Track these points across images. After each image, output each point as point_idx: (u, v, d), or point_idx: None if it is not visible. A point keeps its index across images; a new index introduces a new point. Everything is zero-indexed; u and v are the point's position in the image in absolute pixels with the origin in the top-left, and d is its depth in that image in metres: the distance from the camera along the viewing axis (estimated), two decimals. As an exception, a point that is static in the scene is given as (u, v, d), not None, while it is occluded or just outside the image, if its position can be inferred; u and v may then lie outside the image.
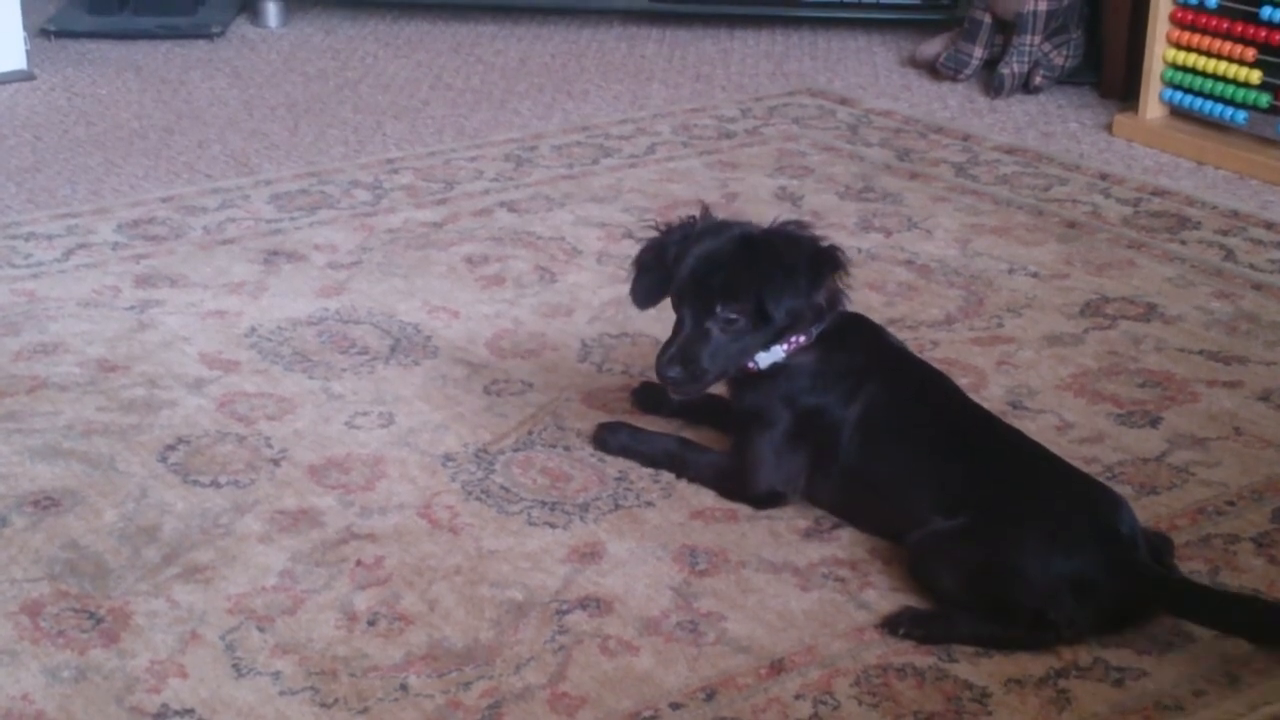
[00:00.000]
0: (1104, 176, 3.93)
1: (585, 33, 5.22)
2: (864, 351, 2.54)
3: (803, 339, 2.51)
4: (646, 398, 2.84)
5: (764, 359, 2.51)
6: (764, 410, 2.52)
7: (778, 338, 2.49)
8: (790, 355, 2.51)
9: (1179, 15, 4.17)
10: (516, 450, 2.70)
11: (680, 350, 2.45)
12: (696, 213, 2.59)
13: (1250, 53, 4.05)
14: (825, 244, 2.50)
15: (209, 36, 5.06)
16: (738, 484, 2.56)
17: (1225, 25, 4.08)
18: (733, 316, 2.44)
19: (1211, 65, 4.11)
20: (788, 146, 4.15)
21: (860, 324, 2.61)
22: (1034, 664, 2.20)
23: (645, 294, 2.58)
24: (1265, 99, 4.02)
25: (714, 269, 2.45)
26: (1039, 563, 2.23)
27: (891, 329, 3.13)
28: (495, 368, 2.99)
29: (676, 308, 2.51)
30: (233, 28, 5.20)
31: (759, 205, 3.74)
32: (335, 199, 3.78)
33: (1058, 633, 2.22)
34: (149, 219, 3.66)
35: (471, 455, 2.69)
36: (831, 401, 2.48)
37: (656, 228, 2.61)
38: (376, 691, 2.14)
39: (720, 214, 2.64)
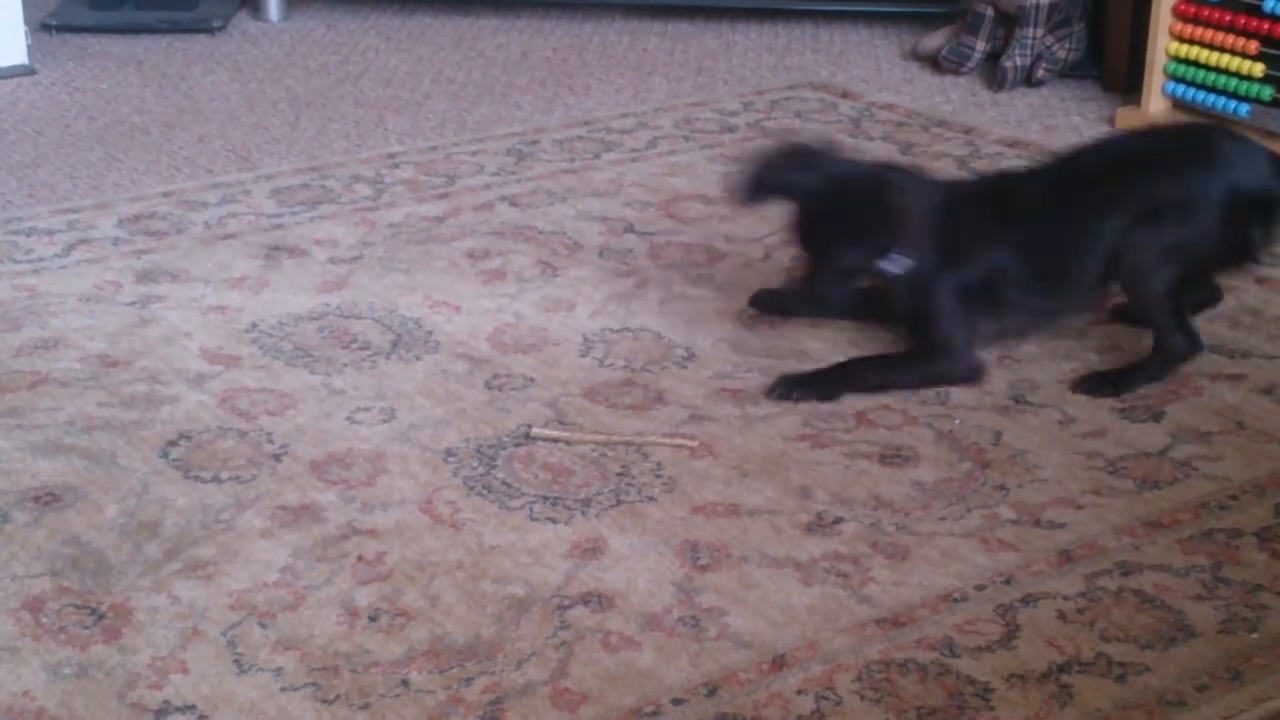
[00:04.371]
0: (1106, 170, 3.92)
1: (587, 26, 5.22)
2: (972, 215, 2.96)
3: (912, 250, 2.89)
4: (765, 302, 3.18)
5: (889, 268, 2.91)
6: (934, 303, 2.91)
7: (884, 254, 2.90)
8: (911, 262, 2.90)
9: (1181, 8, 4.16)
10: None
11: (803, 286, 2.98)
12: (803, 137, 3.07)
13: (1253, 45, 4.04)
14: (877, 204, 2.87)
15: (210, 31, 5.06)
16: (948, 368, 2.91)
17: (1228, 18, 4.07)
18: (840, 261, 2.91)
19: (1214, 58, 4.10)
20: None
21: (948, 192, 3.04)
22: (1036, 659, 2.20)
23: (747, 195, 3.02)
24: (1268, 92, 4.01)
25: (806, 222, 2.93)
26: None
27: (893, 323, 3.15)
28: (497, 362, 2.99)
29: (795, 244, 2.99)
30: (234, 22, 5.20)
31: (761, 199, 3.74)
32: (336, 194, 3.78)
33: None
34: (150, 214, 3.66)
35: (473, 450, 2.69)
36: (986, 264, 2.92)
37: (773, 144, 3.09)
38: (378, 687, 2.14)
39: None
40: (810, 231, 2.93)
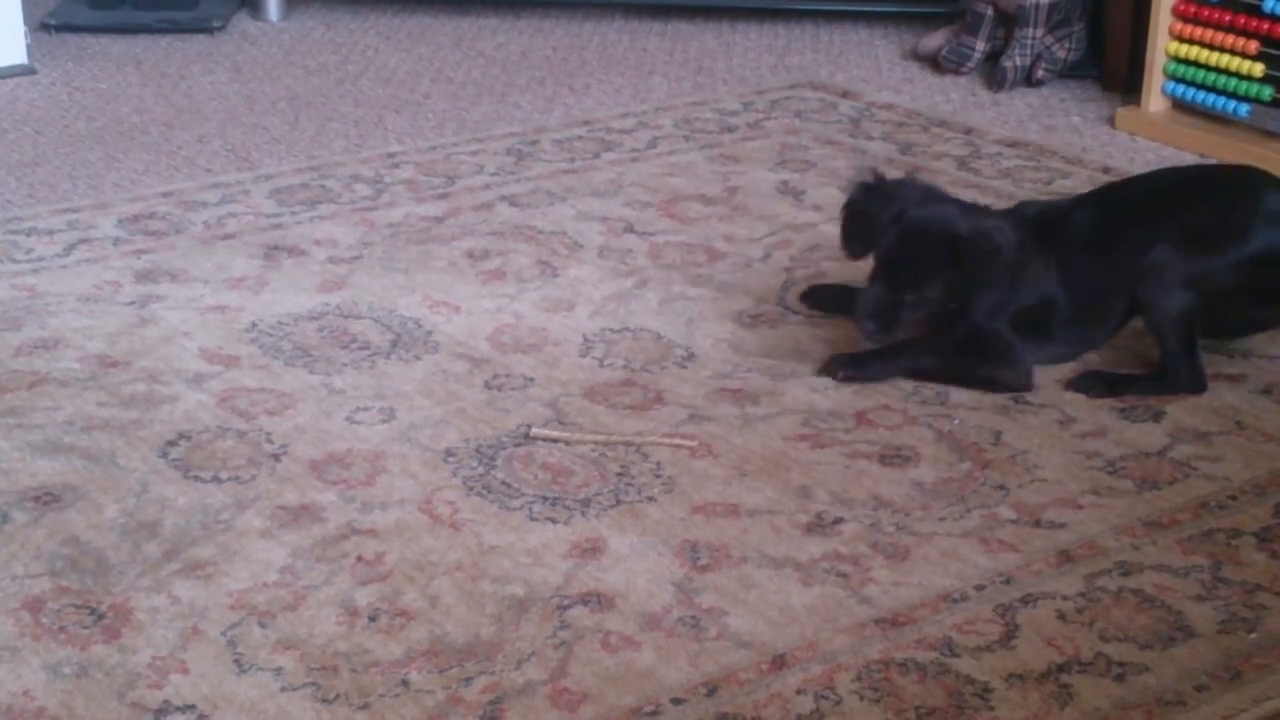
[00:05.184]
0: (1107, 170, 3.93)
1: (587, 26, 5.22)
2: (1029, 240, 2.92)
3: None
4: (818, 298, 3.19)
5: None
6: (985, 325, 2.88)
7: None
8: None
9: (1181, 8, 4.16)
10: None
11: (879, 309, 2.85)
12: (903, 174, 2.99)
13: (1253, 45, 4.04)
14: (1009, 251, 2.84)
15: (209, 31, 5.06)
16: (1007, 373, 2.89)
17: (1228, 18, 4.07)
18: (925, 297, 2.84)
19: (1214, 58, 4.10)
20: (789, 140, 4.15)
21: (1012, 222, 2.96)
22: (1036, 659, 2.20)
23: (858, 248, 2.96)
24: (1268, 92, 4.02)
25: (915, 257, 2.84)
26: None
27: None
28: (496, 362, 2.99)
29: (879, 265, 2.88)
30: (233, 22, 5.20)
31: (761, 200, 3.74)
32: (336, 193, 3.78)
33: None
34: (149, 214, 3.66)
35: (473, 450, 2.69)
36: (1035, 296, 2.91)
37: (869, 178, 2.96)
38: (378, 687, 2.14)
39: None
40: (897, 266, 2.85)
